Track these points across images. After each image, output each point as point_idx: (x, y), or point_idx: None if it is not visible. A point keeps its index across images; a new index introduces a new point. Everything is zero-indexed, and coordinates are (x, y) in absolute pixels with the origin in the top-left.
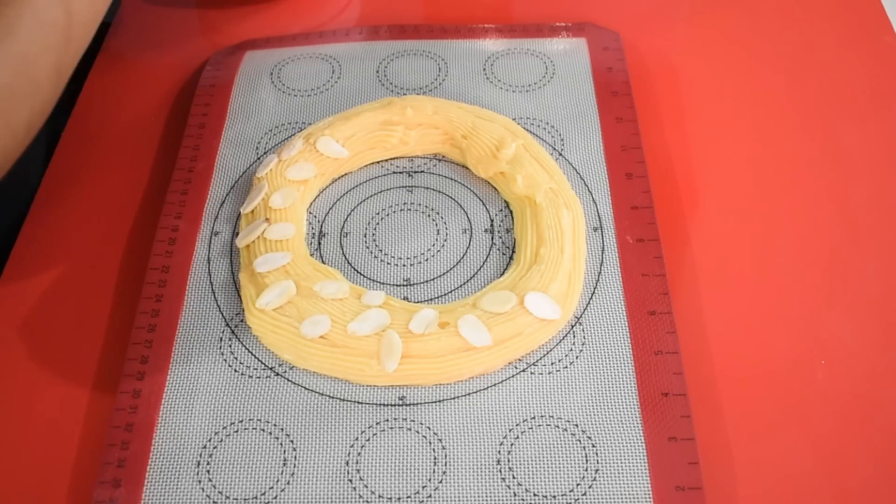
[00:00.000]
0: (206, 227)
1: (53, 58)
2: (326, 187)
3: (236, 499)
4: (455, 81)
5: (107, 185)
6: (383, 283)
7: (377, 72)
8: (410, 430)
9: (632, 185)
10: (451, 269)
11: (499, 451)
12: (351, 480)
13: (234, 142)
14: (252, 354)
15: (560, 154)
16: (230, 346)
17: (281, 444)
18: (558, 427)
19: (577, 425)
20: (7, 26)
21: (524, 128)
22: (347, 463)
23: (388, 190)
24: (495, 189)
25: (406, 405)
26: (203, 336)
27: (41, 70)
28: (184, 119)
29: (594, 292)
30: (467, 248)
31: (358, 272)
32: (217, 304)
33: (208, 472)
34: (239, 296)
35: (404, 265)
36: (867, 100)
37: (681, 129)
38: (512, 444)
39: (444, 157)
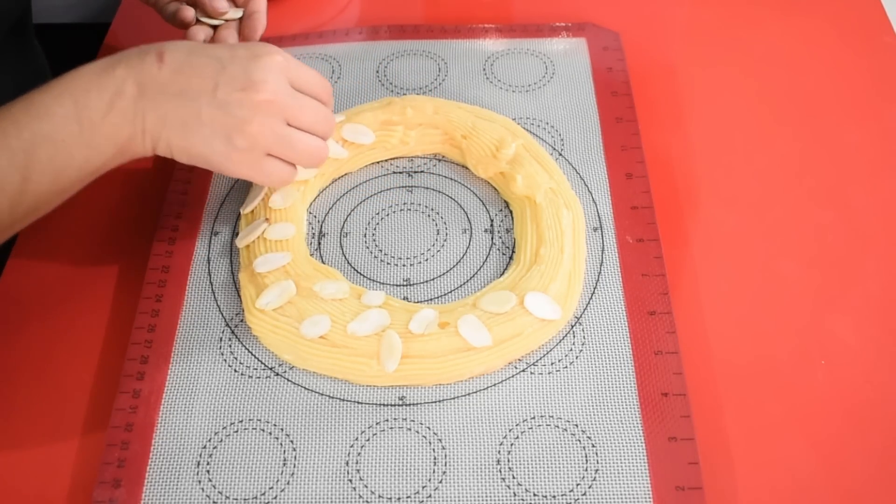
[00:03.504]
0: (206, 227)
1: None
2: (326, 187)
3: (236, 499)
4: (455, 81)
5: (107, 185)
6: (383, 283)
7: (377, 72)
8: (410, 430)
9: (632, 185)
10: (451, 269)
11: (499, 451)
12: (351, 480)
13: None
14: (252, 354)
15: (560, 154)
16: (230, 346)
17: (281, 444)
18: (558, 427)
19: (577, 425)
20: None
21: (524, 128)
22: (347, 463)
23: (388, 190)
24: (495, 189)
25: (406, 405)
26: (203, 336)
27: None
28: None
29: (594, 292)
30: (467, 248)
31: (358, 272)
32: (217, 304)
33: (208, 472)
34: (239, 296)
35: (404, 265)
36: (867, 100)
37: (681, 129)
38: (512, 444)
39: (444, 157)
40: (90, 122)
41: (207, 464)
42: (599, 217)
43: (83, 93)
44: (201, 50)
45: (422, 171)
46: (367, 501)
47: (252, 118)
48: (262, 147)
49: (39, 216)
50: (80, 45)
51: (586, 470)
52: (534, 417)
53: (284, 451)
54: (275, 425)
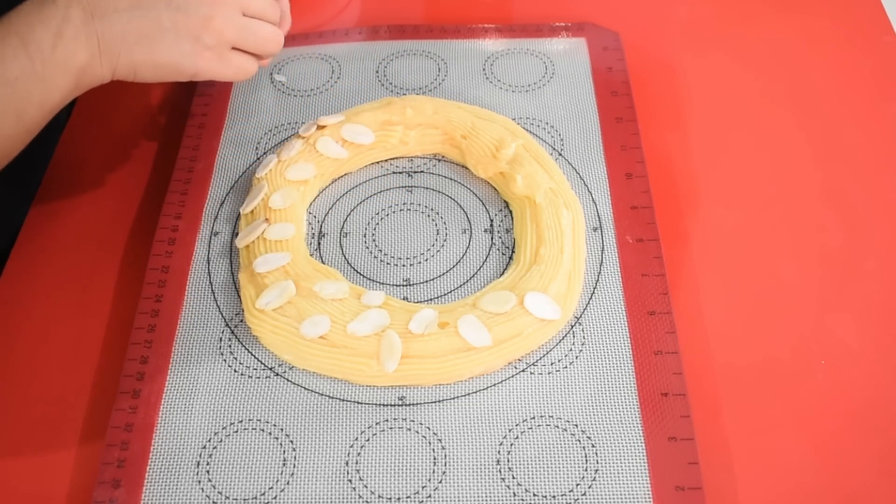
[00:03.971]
0: (205, 227)
1: None
2: (326, 187)
3: (236, 499)
4: (455, 81)
5: (107, 185)
6: (383, 283)
7: (377, 72)
8: (410, 430)
9: (632, 185)
10: (450, 269)
11: (499, 451)
12: (351, 480)
13: (234, 142)
14: (252, 355)
15: (560, 154)
16: (230, 346)
17: (281, 444)
18: (558, 427)
19: (577, 425)
20: None
21: (524, 128)
22: (347, 463)
23: (387, 190)
24: (495, 189)
25: (406, 405)
26: (203, 336)
27: None
28: (183, 119)
29: (594, 292)
30: (467, 248)
31: (358, 272)
32: (217, 305)
33: (208, 472)
34: (239, 296)
35: (404, 265)
36: (867, 100)
37: (681, 129)
38: (512, 444)
39: (443, 157)
40: (41, 54)
41: (207, 464)
42: (599, 217)
43: (27, 28)
44: None
45: (422, 171)
46: (367, 501)
47: (214, 13)
48: (227, 41)
49: (6, 162)
50: None
51: (586, 470)
52: (534, 417)
53: (284, 451)
54: (275, 425)
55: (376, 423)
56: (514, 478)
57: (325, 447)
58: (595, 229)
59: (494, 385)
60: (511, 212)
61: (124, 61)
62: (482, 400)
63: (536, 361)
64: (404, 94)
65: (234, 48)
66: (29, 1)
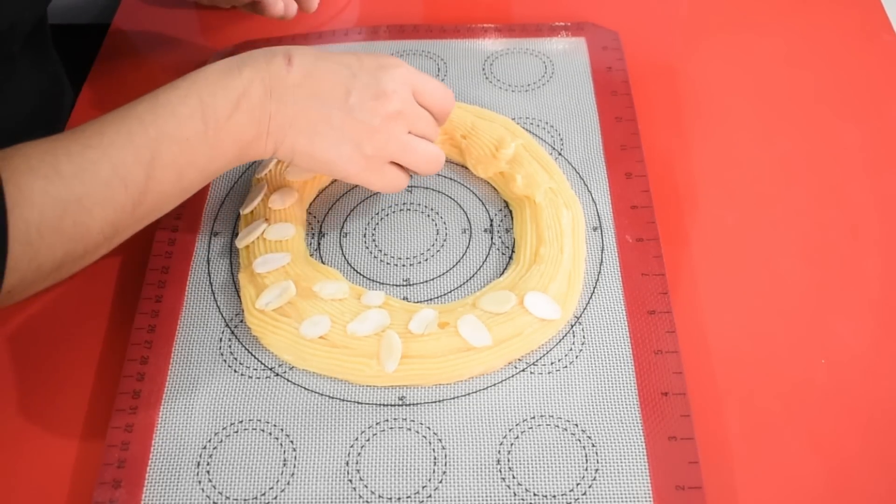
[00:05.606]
0: (205, 227)
1: (113, 214)
2: (326, 187)
3: (236, 499)
4: (455, 81)
5: None
6: (383, 283)
7: None
8: (410, 430)
9: (631, 184)
10: (450, 269)
11: (499, 451)
12: (351, 480)
13: None
14: (252, 355)
15: (560, 154)
16: (230, 346)
17: (281, 444)
18: (558, 427)
19: (577, 425)
20: (79, 169)
21: (524, 128)
22: (347, 463)
23: None
24: (495, 189)
25: (406, 405)
26: (203, 336)
27: (95, 221)
28: None
29: (594, 292)
30: (467, 248)
31: (358, 272)
32: (217, 305)
33: (208, 472)
34: (239, 296)
35: (404, 265)
36: (867, 98)
37: (680, 129)
38: (512, 444)
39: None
40: (216, 121)
41: (207, 464)
42: (599, 217)
43: (209, 93)
44: (328, 56)
45: None
46: (367, 501)
47: (382, 127)
48: (387, 154)
49: (157, 217)
50: (81, 45)
51: (586, 470)
52: (534, 417)
53: (284, 452)
54: (275, 426)
55: (376, 423)
56: (514, 477)
57: (326, 447)
58: (595, 229)
59: (494, 385)
60: (511, 212)
61: (287, 146)
62: (482, 400)
63: (536, 361)
64: None
65: (392, 162)
66: (216, 64)
